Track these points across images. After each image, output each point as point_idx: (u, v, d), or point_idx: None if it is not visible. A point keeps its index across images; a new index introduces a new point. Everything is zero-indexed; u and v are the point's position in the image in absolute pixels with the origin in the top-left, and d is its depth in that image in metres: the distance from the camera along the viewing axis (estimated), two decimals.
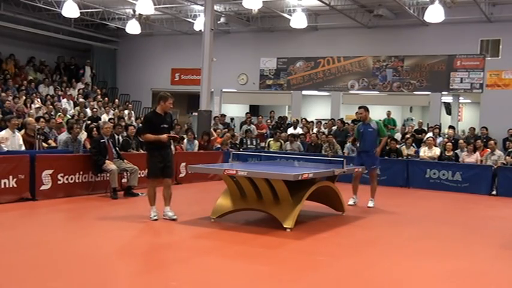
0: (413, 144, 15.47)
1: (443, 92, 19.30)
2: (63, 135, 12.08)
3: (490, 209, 11.49)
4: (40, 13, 20.24)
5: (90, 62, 23.14)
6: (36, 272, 5.35)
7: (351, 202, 10.34)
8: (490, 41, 18.38)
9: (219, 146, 15.70)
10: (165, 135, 7.91)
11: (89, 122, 15.13)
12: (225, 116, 20.12)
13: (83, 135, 12.59)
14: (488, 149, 14.08)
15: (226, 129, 17.85)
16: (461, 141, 14.96)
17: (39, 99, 17.42)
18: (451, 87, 18.90)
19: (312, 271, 5.87)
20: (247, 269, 5.83)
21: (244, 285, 5.27)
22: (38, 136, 11.25)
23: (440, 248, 7.24)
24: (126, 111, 19.16)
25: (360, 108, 10.50)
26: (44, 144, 11.56)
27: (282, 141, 16.65)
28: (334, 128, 17.68)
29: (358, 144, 10.41)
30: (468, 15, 17.69)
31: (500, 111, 17.66)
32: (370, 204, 10.25)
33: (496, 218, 10.22)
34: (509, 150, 14.25)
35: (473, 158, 14.00)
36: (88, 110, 17.85)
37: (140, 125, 16.37)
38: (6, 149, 9.96)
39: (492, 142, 14.22)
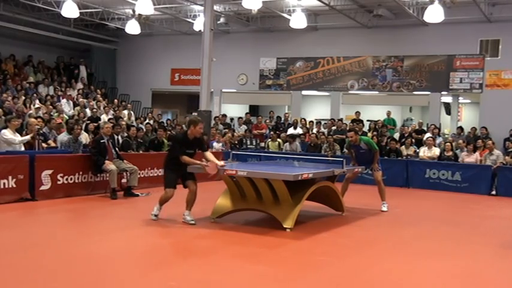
0: (414, 145, 15.45)
1: (442, 92, 19.30)
2: (64, 136, 12.08)
3: (490, 209, 11.48)
4: (39, 13, 20.23)
5: (84, 61, 23.07)
6: (35, 273, 5.34)
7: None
8: (489, 41, 18.38)
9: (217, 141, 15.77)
10: (199, 163, 7.90)
11: (89, 122, 15.12)
12: (225, 116, 20.14)
13: (83, 136, 12.59)
14: (487, 149, 14.08)
15: (226, 130, 17.89)
16: (460, 141, 14.97)
17: (37, 100, 17.39)
18: (450, 87, 18.91)
19: (311, 271, 5.87)
20: (246, 269, 5.83)
21: (244, 285, 5.27)
22: (38, 136, 11.25)
23: (440, 248, 7.24)
24: (125, 111, 19.15)
25: (349, 131, 10.44)
26: (44, 145, 11.56)
27: (280, 141, 16.66)
28: (334, 128, 17.71)
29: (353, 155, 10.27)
30: (468, 15, 17.70)
31: (499, 111, 17.67)
32: (384, 208, 9.99)
33: (496, 218, 10.22)
34: (509, 150, 14.26)
35: (472, 158, 14.01)
36: (88, 110, 17.84)
37: (141, 126, 16.43)
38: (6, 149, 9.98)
39: (490, 142, 14.22)
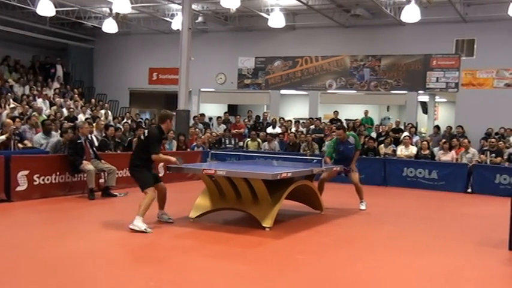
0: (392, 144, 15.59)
1: (419, 91, 19.53)
2: (39, 137, 11.86)
3: (466, 207, 11.66)
4: (14, 11, 19.91)
5: (60, 60, 22.77)
6: (11, 275, 5.27)
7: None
8: (465, 40, 18.64)
9: (197, 146, 15.65)
10: (174, 159, 7.85)
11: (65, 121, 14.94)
12: (204, 115, 20.07)
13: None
14: (463, 148, 14.28)
15: (205, 129, 17.85)
16: (444, 140, 15.10)
17: (11, 100, 17.11)
18: (427, 86, 19.14)
19: (291, 270, 5.89)
20: (226, 269, 5.83)
21: (223, 284, 5.27)
22: (13, 136, 11.07)
23: (417, 245, 7.33)
24: (103, 111, 18.97)
25: (338, 129, 10.17)
26: (20, 145, 11.39)
27: (259, 141, 16.68)
28: (312, 127, 17.79)
29: (331, 161, 10.19)
30: (443, 15, 17.93)
31: (475, 110, 17.94)
32: (362, 206, 10.02)
33: (471, 216, 10.37)
34: (484, 148, 14.48)
35: (448, 157, 14.19)
36: (64, 110, 17.63)
37: (116, 125, 16.25)
38: None
39: (466, 141, 14.43)
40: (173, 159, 7.90)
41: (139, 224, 7.26)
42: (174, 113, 8.22)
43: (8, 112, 14.96)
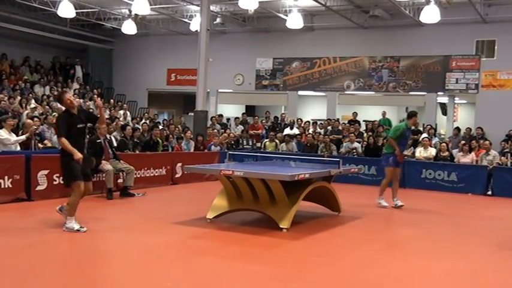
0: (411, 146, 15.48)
1: (438, 93, 19.35)
2: None
3: (486, 209, 11.53)
4: (35, 13, 20.18)
5: (80, 61, 23.01)
6: (30, 275, 5.32)
7: (385, 204, 10.46)
8: (485, 41, 18.43)
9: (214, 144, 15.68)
10: (80, 156, 6.91)
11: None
12: (222, 116, 20.13)
13: None
14: (483, 149, 14.11)
15: (223, 130, 17.89)
16: (463, 142, 14.96)
17: (33, 100, 17.34)
18: (446, 87, 18.95)
19: (308, 271, 5.87)
20: (243, 270, 5.83)
21: (240, 285, 5.27)
22: (34, 136, 11.21)
23: (435, 248, 7.26)
24: (121, 111, 19.12)
25: (413, 116, 10.70)
26: (40, 145, 11.53)
27: (277, 142, 16.68)
28: (330, 128, 17.73)
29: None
30: (463, 15, 17.75)
31: (495, 111, 17.70)
32: (400, 203, 10.38)
33: (491, 218, 10.25)
34: (505, 150, 14.30)
35: (468, 158, 14.04)
36: None
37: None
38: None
39: (487, 142, 14.26)
40: (80, 156, 6.91)
41: (71, 224, 7.06)
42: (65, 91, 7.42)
43: (28, 112, 15.16)
